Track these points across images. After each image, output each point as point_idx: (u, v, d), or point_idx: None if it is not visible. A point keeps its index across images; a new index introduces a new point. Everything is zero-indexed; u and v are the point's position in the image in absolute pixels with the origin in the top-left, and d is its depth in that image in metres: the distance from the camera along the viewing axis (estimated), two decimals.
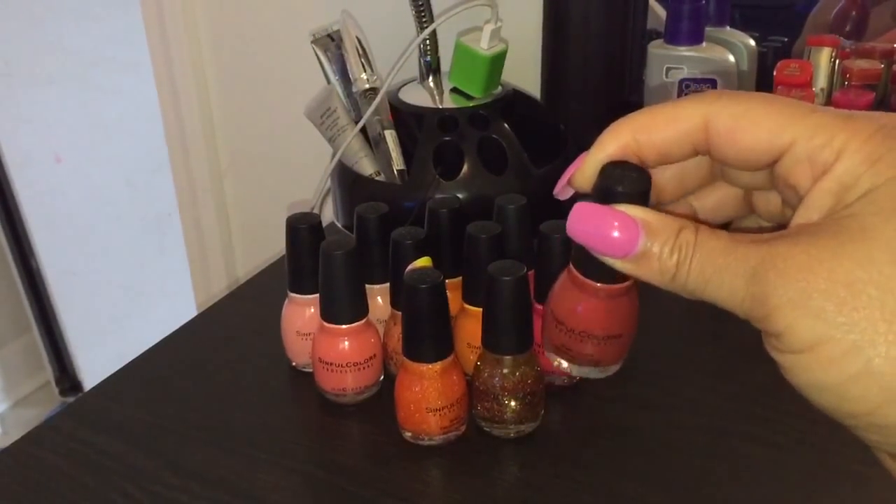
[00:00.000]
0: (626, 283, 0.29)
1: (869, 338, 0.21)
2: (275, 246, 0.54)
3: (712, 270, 0.24)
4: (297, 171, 0.94)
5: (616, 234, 0.25)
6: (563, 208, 0.54)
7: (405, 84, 0.72)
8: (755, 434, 0.49)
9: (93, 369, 1.81)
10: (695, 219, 0.28)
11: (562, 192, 0.30)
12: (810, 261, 0.22)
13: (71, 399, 1.84)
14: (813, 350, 0.22)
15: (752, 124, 0.24)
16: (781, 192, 0.26)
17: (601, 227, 0.25)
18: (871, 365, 0.21)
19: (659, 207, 0.27)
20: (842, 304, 0.21)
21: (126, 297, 1.74)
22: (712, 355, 0.58)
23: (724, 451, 0.49)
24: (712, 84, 0.66)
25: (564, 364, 0.31)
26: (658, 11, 0.77)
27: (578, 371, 0.31)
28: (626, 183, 0.26)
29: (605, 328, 0.29)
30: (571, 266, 0.29)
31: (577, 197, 0.28)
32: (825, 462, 0.47)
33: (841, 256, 0.22)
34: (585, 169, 0.28)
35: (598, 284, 0.28)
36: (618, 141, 0.27)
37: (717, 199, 0.30)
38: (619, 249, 0.25)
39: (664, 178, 0.29)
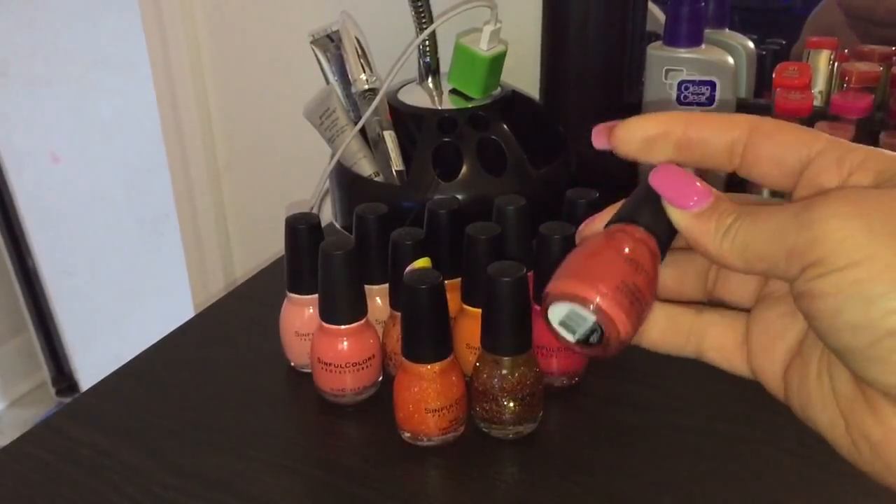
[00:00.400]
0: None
1: None
2: (273, 246, 0.54)
3: (762, 219, 0.25)
4: (296, 172, 0.94)
5: (697, 185, 0.27)
6: (562, 209, 0.55)
7: (404, 85, 0.72)
8: (753, 435, 0.50)
9: (89, 370, 1.81)
10: None
11: (599, 138, 0.29)
12: (865, 192, 0.24)
13: (67, 399, 1.84)
14: (863, 263, 0.23)
15: (790, 132, 0.27)
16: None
17: (683, 182, 0.28)
18: None
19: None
20: (892, 228, 0.23)
21: (123, 298, 1.73)
22: None
23: (722, 453, 0.49)
24: (711, 86, 0.66)
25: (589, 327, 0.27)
26: (657, 14, 0.77)
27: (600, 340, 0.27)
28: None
29: (654, 292, 0.28)
30: (641, 228, 0.28)
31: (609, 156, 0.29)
32: (824, 464, 0.47)
33: (893, 197, 0.24)
34: (631, 131, 0.28)
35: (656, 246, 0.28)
36: (669, 122, 0.28)
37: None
38: (691, 201, 0.27)
39: (664, 275, 0.30)
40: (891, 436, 0.25)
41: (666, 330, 0.30)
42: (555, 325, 0.27)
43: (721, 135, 0.27)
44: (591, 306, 0.26)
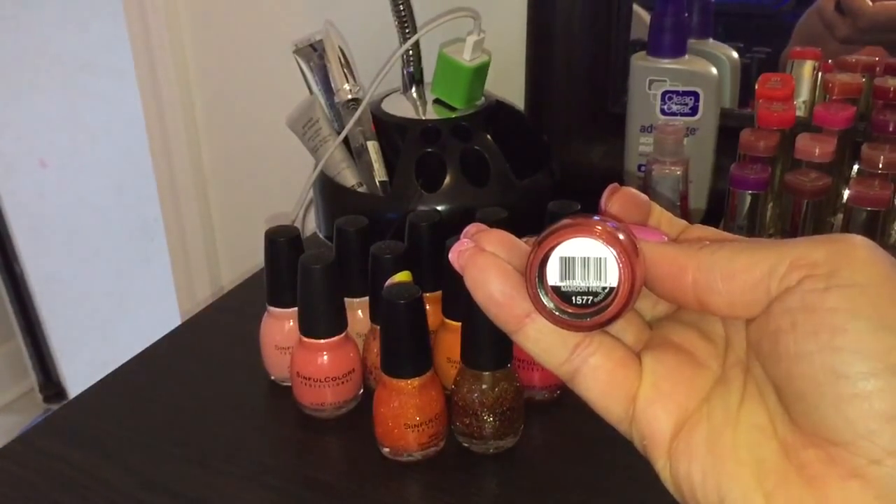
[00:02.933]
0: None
1: None
2: (260, 255, 0.54)
3: (751, 240, 0.24)
4: (283, 180, 0.94)
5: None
6: (545, 220, 0.54)
7: (388, 95, 0.72)
8: None
9: (77, 376, 1.80)
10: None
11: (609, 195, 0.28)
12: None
13: (55, 407, 1.83)
14: (887, 286, 0.21)
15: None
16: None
17: (645, 227, 0.27)
18: None
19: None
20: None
21: (111, 304, 1.72)
22: None
23: None
24: (694, 97, 0.66)
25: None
26: (644, 17, 0.77)
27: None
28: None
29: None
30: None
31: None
32: None
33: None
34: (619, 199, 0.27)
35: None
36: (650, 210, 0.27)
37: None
38: (658, 237, 0.26)
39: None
40: None
41: (553, 331, 0.25)
42: (554, 258, 0.24)
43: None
44: (618, 255, 0.24)
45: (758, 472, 0.23)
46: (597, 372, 0.25)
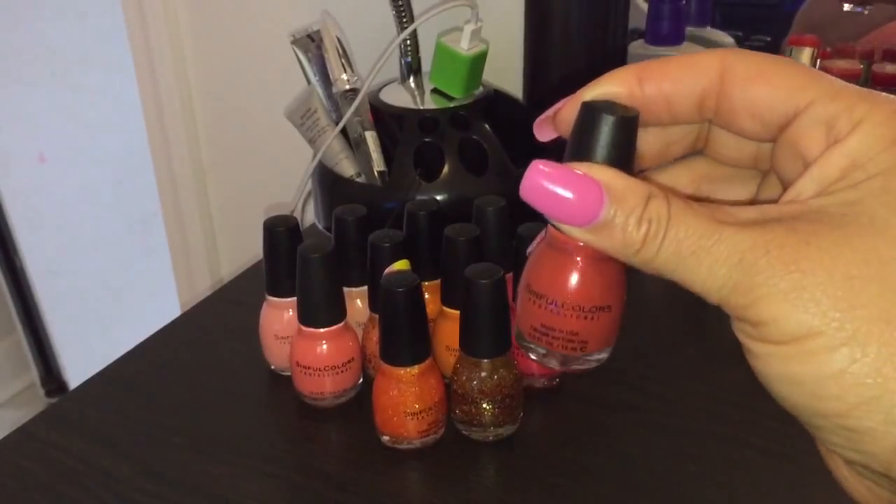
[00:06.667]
0: None
1: (862, 337, 0.20)
2: (259, 246, 0.54)
3: (689, 252, 0.21)
4: (282, 171, 0.94)
5: (573, 197, 0.22)
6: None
7: (386, 85, 0.72)
8: (737, 437, 0.49)
9: (78, 370, 1.80)
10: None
11: (541, 129, 0.26)
12: (809, 250, 0.20)
13: (56, 401, 1.83)
14: (797, 342, 0.20)
15: (773, 75, 0.22)
16: (779, 167, 0.24)
17: (557, 190, 0.22)
18: (855, 366, 0.20)
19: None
20: (839, 300, 0.20)
21: (111, 298, 1.72)
22: (694, 357, 0.57)
23: (705, 455, 0.48)
24: None
25: (542, 353, 0.26)
26: (642, 6, 0.77)
27: (560, 362, 0.26)
28: (604, 131, 0.23)
29: (591, 297, 0.25)
30: (550, 226, 0.24)
31: (559, 142, 0.25)
32: (805, 465, 0.47)
33: (843, 248, 0.20)
34: (572, 110, 0.25)
35: (581, 243, 0.23)
36: (620, 82, 0.24)
37: (691, 177, 0.27)
38: (578, 217, 0.22)
39: (646, 142, 0.26)
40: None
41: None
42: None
43: (685, 89, 0.23)
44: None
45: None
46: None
